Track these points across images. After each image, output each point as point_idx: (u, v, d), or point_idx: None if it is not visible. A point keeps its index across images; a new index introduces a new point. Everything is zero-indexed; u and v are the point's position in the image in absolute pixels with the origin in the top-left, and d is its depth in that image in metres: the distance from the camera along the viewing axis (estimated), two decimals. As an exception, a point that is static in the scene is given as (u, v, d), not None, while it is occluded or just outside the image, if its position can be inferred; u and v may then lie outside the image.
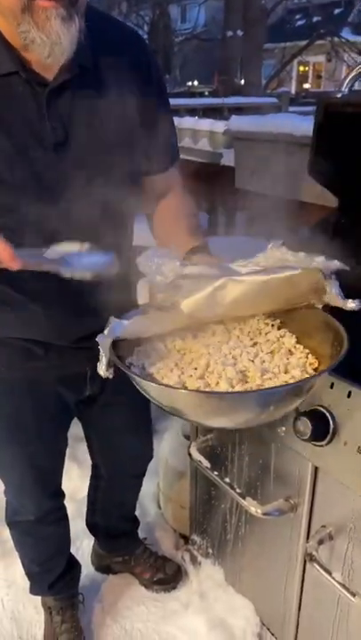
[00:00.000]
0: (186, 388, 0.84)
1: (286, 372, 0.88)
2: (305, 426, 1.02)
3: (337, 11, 18.46)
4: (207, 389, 0.84)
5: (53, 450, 1.32)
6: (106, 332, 0.85)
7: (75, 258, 0.86)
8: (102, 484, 1.56)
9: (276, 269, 0.90)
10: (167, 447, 1.84)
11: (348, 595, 1.05)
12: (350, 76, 1.37)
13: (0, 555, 1.79)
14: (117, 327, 0.86)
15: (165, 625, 1.58)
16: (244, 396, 0.82)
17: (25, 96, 0.90)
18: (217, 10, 16.49)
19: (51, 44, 0.83)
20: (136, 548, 1.72)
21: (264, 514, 1.18)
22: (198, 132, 4.59)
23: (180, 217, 1.12)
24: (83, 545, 1.80)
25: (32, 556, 1.48)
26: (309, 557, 1.11)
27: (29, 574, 1.51)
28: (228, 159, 3.36)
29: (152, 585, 1.69)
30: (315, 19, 16.69)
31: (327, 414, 1.01)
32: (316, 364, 0.90)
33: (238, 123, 2.52)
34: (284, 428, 1.14)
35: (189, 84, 17.76)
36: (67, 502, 1.46)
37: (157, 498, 1.97)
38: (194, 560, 1.71)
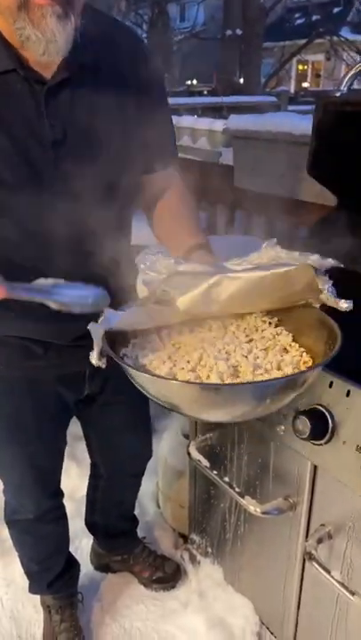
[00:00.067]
0: (176, 379, 0.83)
1: (279, 368, 0.88)
2: (304, 425, 1.02)
3: (336, 9, 18.47)
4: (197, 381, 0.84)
5: (53, 449, 1.32)
6: (100, 320, 0.84)
7: (64, 289, 0.85)
8: (101, 483, 1.56)
9: (271, 266, 0.90)
10: (166, 446, 1.83)
11: (347, 593, 1.05)
12: (349, 75, 1.37)
13: (-1, 554, 1.79)
14: (112, 317, 0.86)
15: (164, 624, 1.58)
16: (235, 388, 0.82)
17: (23, 94, 0.90)
18: (216, 8, 16.50)
19: (46, 41, 0.83)
20: (135, 546, 1.72)
21: (263, 513, 1.18)
22: (197, 131, 4.60)
23: (179, 215, 1.13)
24: (82, 544, 1.80)
25: (31, 555, 1.48)
26: (308, 556, 1.12)
27: (28, 573, 1.52)
28: (226, 158, 3.37)
29: (151, 584, 1.69)
30: (314, 17, 16.72)
31: (326, 413, 1.01)
32: (310, 363, 0.90)
33: (237, 121, 2.52)
34: (283, 427, 1.14)
35: (188, 82, 17.72)
36: (66, 501, 1.47)
37: (156, 497, 1.97)
38: (193, 559, 1.71)
